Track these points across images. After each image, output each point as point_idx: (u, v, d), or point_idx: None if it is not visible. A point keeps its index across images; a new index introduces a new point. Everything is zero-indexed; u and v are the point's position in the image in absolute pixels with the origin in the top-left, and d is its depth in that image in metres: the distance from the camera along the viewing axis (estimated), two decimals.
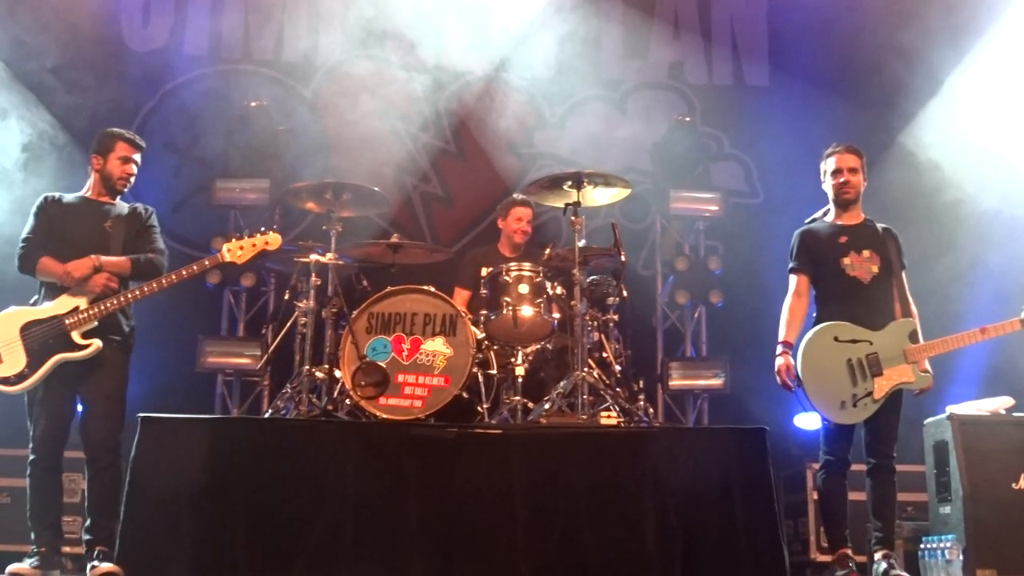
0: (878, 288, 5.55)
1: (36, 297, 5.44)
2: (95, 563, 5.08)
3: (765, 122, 9.01)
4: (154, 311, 5.71)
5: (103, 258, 5.36)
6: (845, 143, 5.77)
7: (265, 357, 7.46)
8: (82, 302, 5.29)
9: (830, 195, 5.76)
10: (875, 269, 5.55)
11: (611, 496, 5.06)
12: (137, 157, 5.65)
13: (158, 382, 6.15)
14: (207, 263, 5.54)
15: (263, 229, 5.65)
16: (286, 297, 6.32)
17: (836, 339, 5.42)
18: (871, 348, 5.39)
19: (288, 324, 6.30)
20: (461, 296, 6.96)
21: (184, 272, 5.40)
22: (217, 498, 4.98)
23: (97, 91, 7.99)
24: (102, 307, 5.27)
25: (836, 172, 5.69)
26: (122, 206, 5.66)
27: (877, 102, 8.66)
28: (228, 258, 5.54)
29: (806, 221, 5.89)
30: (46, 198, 5.60)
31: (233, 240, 5.59)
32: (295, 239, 6.99)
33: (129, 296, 5.35)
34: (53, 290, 5.37)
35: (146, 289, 5.36)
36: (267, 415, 6.21)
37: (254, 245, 5.58)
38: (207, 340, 8.00)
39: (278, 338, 6.45)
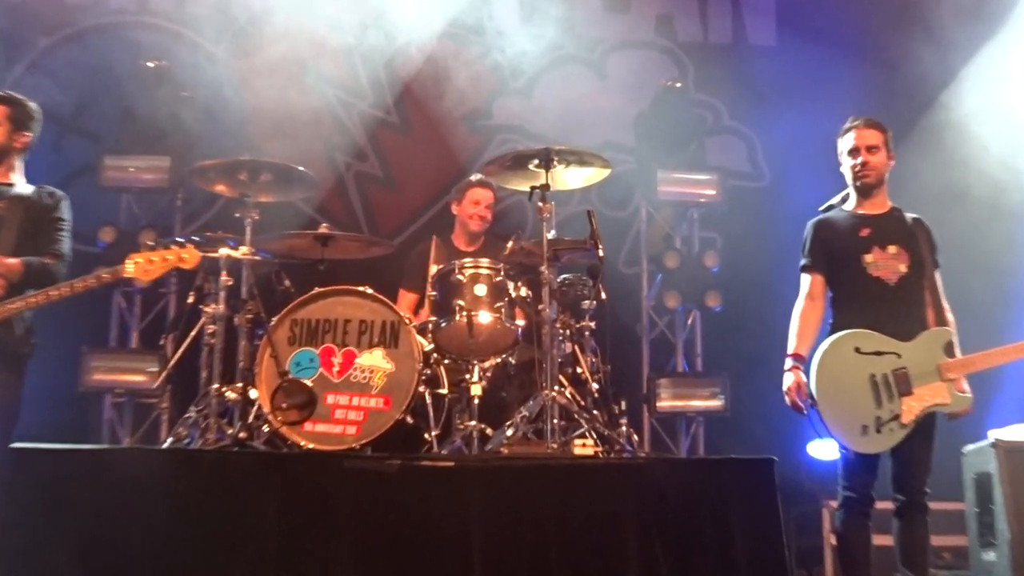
0: (906, 290, 5.59)
1: None
2: None
3: (772, 89, 9.07)
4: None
5: None
6: (865, 116, 5.80)
7: (164, 374, 7.39)
8: None
9: (848, 178, 5.80)
10: (903, 268, 5.59)
11: (586, 541, 5.03)
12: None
13: (32, 404, 6.05)
14: (106, 277, 5.48)
15: (181, 241, 5.57)
16: (190, 300, 6.22)
17: (857, 351, 5.45)
18: (899, 362, 5.42)
19: (192, 334, 6.23)
20: (406, 299, 6.98)
21: (78, 285, 5.38)
22: (105, 546, 4.89)
23: None
24: None
25: (853, 151, 5.73)
26: (25, 187, 5.61)
27: (905, 64, 8.65)
28: (132, 273, 5.46)
29: (821, 209, 5.95)
30: None
31: (142, 252, 5.50)
32: (201, 229, 6.94)
33: (11, 307, 5.28)
34: None
35: (31, 301, 5.32)
36: (166, 445, 6.15)
37: (165, 260, 5.49)
38: (92, 353, 7.97)
39: (180, 351, 6.37)
